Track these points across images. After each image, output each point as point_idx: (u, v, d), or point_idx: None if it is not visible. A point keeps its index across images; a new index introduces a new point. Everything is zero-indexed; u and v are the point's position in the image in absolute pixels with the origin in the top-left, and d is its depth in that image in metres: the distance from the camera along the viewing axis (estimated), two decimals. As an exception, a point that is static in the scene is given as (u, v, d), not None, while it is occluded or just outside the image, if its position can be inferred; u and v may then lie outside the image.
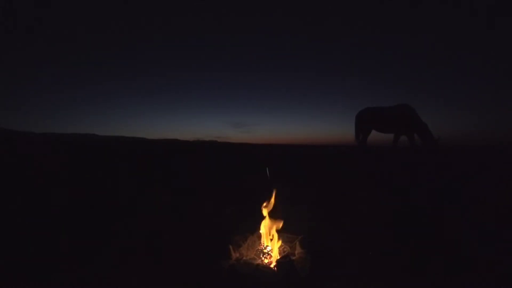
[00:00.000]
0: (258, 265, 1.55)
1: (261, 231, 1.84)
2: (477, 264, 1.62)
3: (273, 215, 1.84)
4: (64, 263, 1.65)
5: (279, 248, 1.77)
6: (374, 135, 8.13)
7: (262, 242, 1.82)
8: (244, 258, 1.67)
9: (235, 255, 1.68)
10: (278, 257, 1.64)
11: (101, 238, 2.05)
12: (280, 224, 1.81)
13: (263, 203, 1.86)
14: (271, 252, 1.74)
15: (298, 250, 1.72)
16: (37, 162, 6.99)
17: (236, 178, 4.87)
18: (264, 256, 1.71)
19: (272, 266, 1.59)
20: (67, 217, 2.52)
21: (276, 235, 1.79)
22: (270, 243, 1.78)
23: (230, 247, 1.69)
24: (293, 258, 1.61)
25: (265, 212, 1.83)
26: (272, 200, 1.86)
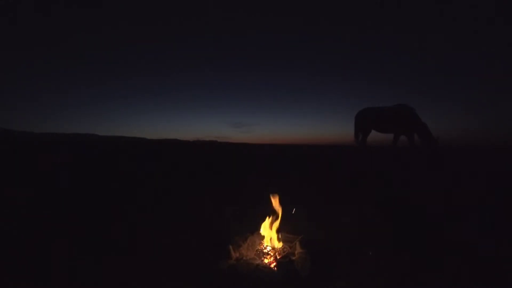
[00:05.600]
0: (258, 265, 1.55)
1: (261, 232, 1.84)
2: (477, 264, 1.62)
3: (271, 214, 1.84)
4: (64, 263, 1.66)
5: (279, 248, 1.77)
6: (374, 135, 8.12)
7: (262, 242, 1.82)
8: (244, 258, 1.67)
9: (235, 255, 1.68)
10: (278, 257, 1.64)
11: (101, 238, 2.05)
12: (278, 222, 1.81)
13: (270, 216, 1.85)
14: (271, 252, 1.74)
15: (298, 250, 1.71)
16: (36, 162, 6.99)
17: (236, 178, 4.87)
18: (264, 256, 1.71)
19: (272, 266, 1.59)
20: (67, 217, 2.52)
21: (275, 235, 1.79)
22: (270, 243, 1.79)
23: (230, 247, 1.69)
24: (293, 258, 1.61)
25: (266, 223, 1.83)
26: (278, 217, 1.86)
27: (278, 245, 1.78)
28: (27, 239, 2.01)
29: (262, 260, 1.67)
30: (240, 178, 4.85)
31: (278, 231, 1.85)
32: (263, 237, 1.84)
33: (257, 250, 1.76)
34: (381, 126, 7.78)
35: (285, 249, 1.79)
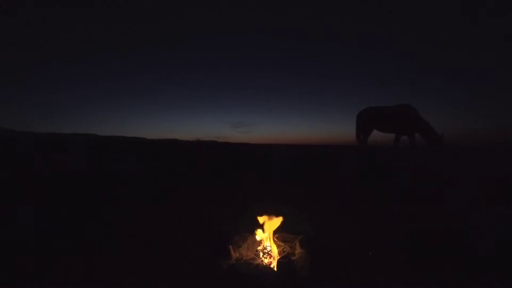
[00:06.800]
0: (258, 265, 1.55)
1: (261, 232, 1.84)
2: (477, 264, 1.62)
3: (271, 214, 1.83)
4: (64, 264, 1.66)
5: (279, 248, 1.77)
6: (374, 135, 8.11)
7: (262, 242, 1.82)
8: (244, 258, 1.67)
9: (235, 255, 1.68)
10: (278, 257, 1.64)
11: (101, 238, 2.05)
12: (279, 221, 1.80)
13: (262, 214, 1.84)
14: (271, 252, 1.73)
15: (298, 250, 1.71)
16: (36, 162, 6.99)
17: (236, 178, 4.87)
18: (264, 256, 1.71)
19: (272, 266, 1.59)
20: (67, 218, 2.52)
21: (271, 235, 1.79)
22: (270, 243, 1.78)
23: (230, 247, 1.69)
24: (293, 258, 1.61)
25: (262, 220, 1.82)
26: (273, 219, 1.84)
27: (278, 245, 1.78)
28: (25, 239, 2.01)
29: (262, 260, 1.67)
30: (240, 178, 4.85)
31: (277, 231, 1.85)
32: (262, 237, 1.83)
33: (257, 250, 1.75)
34: (383, 126, 7.76)
35: (285, 249, 1.79)
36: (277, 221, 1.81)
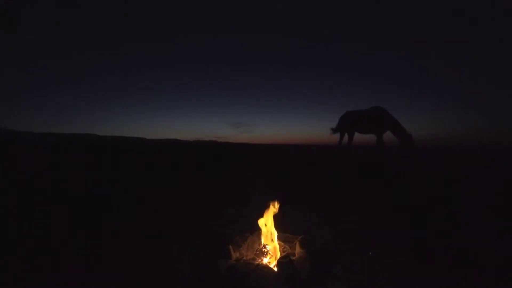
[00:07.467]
0: (258, 265, 1.55)
1: (261, 228, 1.83)
2: (476, 263, 1.62)
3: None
4: (65, 263, 1.66)
5: (279, 248, 1.77)
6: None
7: (261, 242, 1.82)
8: (244, 258, 1.67)
9: (235, 255, 1.68)
10: (278, 257, 1.64)
11: (101, 238, 2.05)
12: (276, 205, 1.80)
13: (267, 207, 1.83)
14: (271, 252, 1.73)
15: (298, 250, 1.71)
16: (36, 162, 6.99)
17: (236, 178, 4.87)
18: (264, 256, 1.71)
19: (272, 266, 1.59)
20: (67, 217, 2.52)
21: (275, 235, 1.78)
22: (270, 243, 1.78)
23: (230, 247, 1.69)
24: (293, 258, 1.61)
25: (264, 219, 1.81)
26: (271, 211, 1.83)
27: (278, 245, 1.78)
28: (25, 239, 2.01)
29: (262, 260, 1.67)
30: (240, 178, 4.85)
31: (277, 229, 1.84)
32: (262, 235, 1.83)
33: (257, 250, 1.75)
34: (360, 128, 8.04)
35: (285, 249, 1.79)
36: (274, 209, 1.80)
